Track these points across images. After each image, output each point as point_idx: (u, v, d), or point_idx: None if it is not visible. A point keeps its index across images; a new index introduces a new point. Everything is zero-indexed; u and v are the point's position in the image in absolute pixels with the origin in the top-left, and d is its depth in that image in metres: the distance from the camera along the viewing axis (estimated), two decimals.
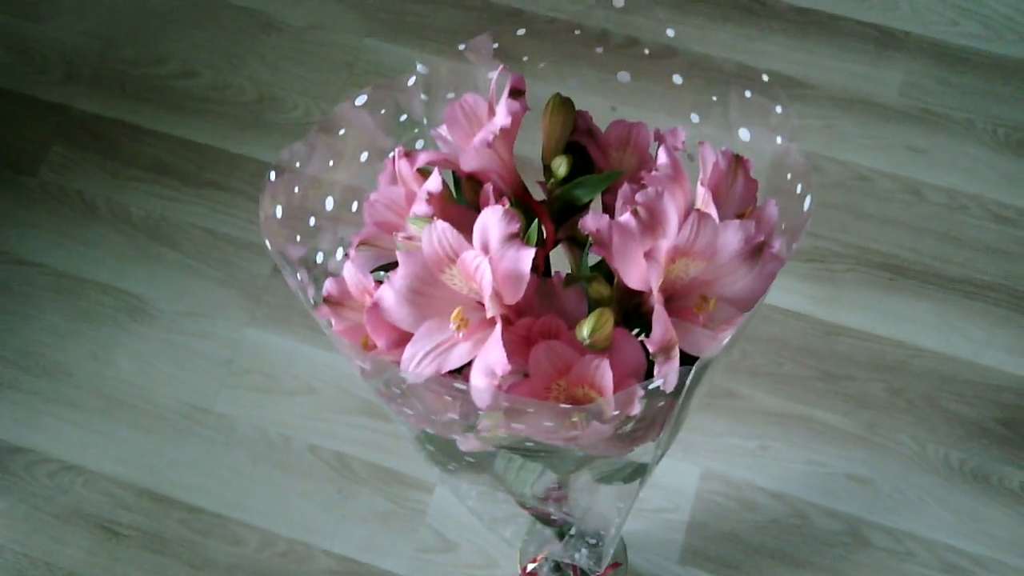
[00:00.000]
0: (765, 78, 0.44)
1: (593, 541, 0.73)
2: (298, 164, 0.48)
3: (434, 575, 1.14)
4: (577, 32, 0.47)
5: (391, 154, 0.50)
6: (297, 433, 1.21)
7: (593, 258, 0.53)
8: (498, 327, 0.41)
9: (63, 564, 1.16)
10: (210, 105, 1.40)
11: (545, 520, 0.71)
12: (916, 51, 1.38)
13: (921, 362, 1.22)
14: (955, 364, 1.21)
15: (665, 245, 0.41)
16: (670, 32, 0.48)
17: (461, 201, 0.52)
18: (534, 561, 0.94)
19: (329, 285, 0.48)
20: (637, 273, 0.42)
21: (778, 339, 1.23)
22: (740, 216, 0.47)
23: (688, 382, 0.42)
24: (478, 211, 0.50)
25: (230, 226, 1.33)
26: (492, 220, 0.42)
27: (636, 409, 0.42)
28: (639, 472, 0.56)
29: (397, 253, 0.44)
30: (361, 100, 0.49)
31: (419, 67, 0.49)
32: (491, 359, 0.41)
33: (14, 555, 1.17)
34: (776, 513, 1.16)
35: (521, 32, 0.48)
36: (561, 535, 0.78)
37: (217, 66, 1.42)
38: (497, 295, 0.42)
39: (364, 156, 0.50)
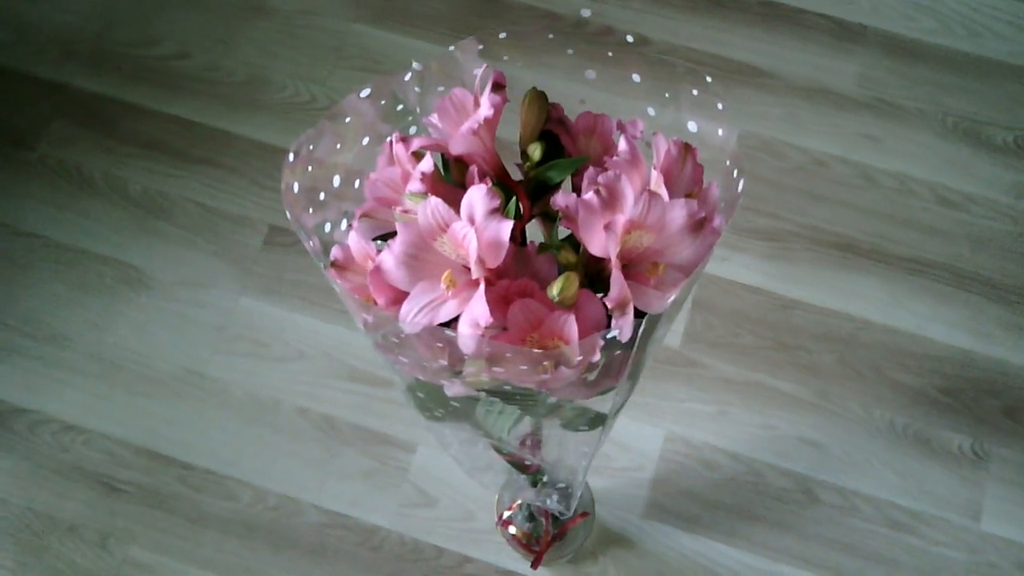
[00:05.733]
0: (708, 79, 0.52)
1: (563, 485, 0.82)
2: (311, 147, 0.55)
3: (416, 528, 1.23)
4: (551, 36, 0.55)
5: (388, 139, 0.58)
6: (286, 396, 1.29)
7: (563, 230, 0.61)
8: (481, 286, 0.49)
9: (65, 517, 1.24)
10: (203, 86, 1.46)
11: (521, 467, 0.79)
12: (873, 44, 1.46)
13: (869, 334, 1.31)
14: (901, 337, 1.31)
15: (622, 219, 0.49)
16: (630, 38, 0.56)
17: (449, 180, 0.60)
18: (510, 509, 1.02)
19: (335, 251, 0.56)
20: (598, 243, 0.50)
21: (738, 312, 1.32)
22: (689, 196, 0.55)
23: (640, 333, 0.50)
24: (464, 189, 0.58)
25: (222, 201, 1.40)
26: (477, 197, 0.50)
27: (597, 356, 0.50)
28: (600, 419, 0.65)
29: (396, 224, 0.51)
30: (365, 93, 0.56)
31: (414, 64, 0.57)
32: (476, 313, 0.49)
33: (19, 509, 1.24)
34: (733, 472, 1.25)
35: (503, 35, 0.56)
36: (534, 483, 0.87)
37: (209, 48, 1.49)
38: (480, 260, 0.50)
39: (365, 140, 0.58)
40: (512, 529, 1.07)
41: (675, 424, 1.27)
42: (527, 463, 0.77)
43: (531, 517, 1.04)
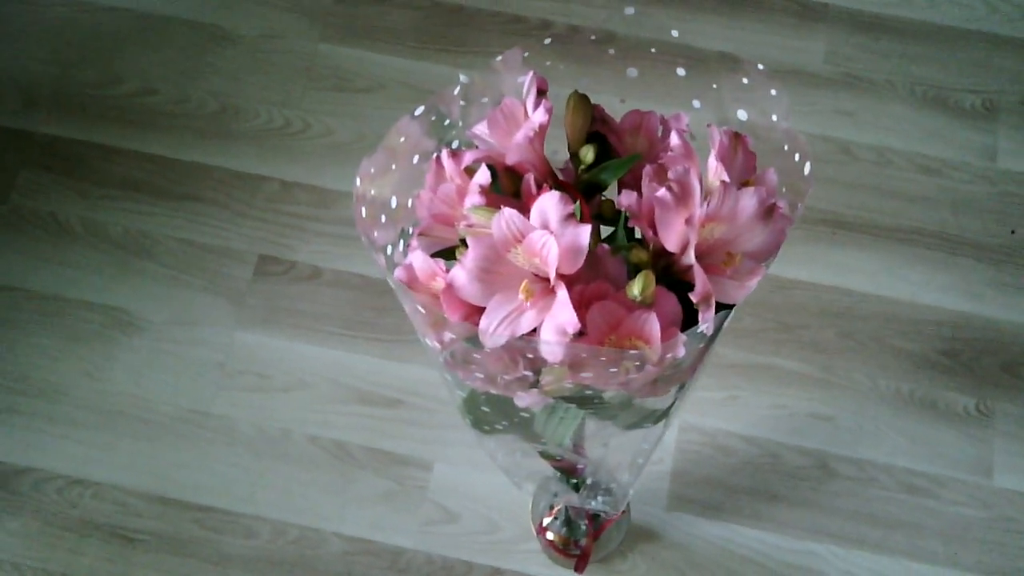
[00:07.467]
0: (760, 67, 0.52)
1: (612, 485, 0.82)
2: (371, 170, 0.54)
3: (441, 545, 1.21)
4: (549, 40, 0.55)
5: (435, 154, 0.57)
6: (295, 426, 1.27)
7: (605, 230, 0.61)
8: (563, 292, 0.49)
9: (82, 575, 1.20)
10: (173, 120, 1.43)
11: (569, 471, 0.79)
12: (836, 21, 1.49)
13: (867, 306, 1.33)
14: (897, 305, 1.33)
15: (699, 213, 0.49)
16: (675, 33, 0.56)
17: (497, 191, 0.59)
18: (549, 515, 1.02)
19: (399, 272, 0.55)
20: (675, 238, 0.50)
21: None
22: (745, 184, 0.56)
23: (724, 324, 0.50)
24: (515, 198, 0.57)
25: (207, 235, 1.37)
26: (551, 204, 0.50)
27: (681, 352, 0.50)
28: (664, 414, 0.65)
29: (467, 239, 0.51)
30: (420, 111, 0.56)
31: (462, 77, 0.56)
32: (562, 320, 0.48)
33: (33, 571, 1.20)
34: (750, 455, 1.26)
35: (548, 41, 0.56)
36: (576, 487, 0.86)
37: (175, 81, 1.46)
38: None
39: (415, 159, 0.57)
40: (549, 535, 1.06)
41: (687, 414, 1.27)
42: (579, 466, 0.76)
43: (567, 521, 1.04)
